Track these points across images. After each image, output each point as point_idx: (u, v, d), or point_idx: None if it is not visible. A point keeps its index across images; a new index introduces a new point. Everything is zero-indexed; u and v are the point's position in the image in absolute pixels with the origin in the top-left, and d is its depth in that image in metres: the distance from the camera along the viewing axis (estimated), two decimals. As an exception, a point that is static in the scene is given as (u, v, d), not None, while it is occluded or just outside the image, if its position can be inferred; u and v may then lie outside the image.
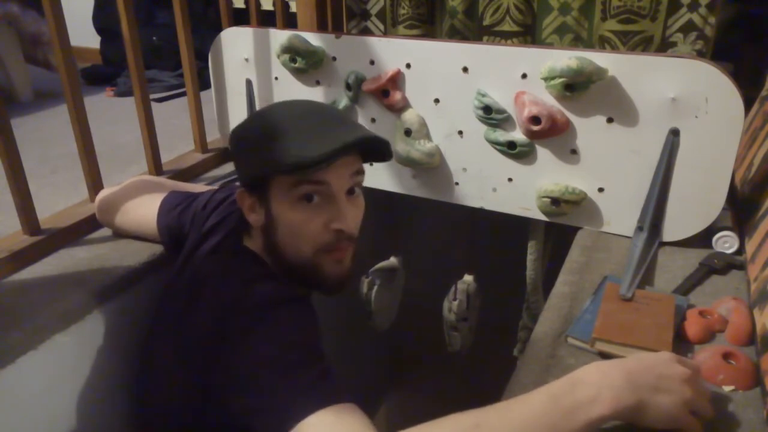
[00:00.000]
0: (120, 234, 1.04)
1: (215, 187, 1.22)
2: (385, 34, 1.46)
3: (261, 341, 0.66)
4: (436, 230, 1.88)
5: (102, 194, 1.04)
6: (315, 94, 1.24)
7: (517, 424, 0.54)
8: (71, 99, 0.99)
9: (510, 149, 1.06)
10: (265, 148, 0.74)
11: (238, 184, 0.82)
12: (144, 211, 0.98)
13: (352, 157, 0.77)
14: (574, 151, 1.02)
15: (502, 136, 1.06)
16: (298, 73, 1.23)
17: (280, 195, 0.75)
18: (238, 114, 1.35)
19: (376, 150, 0.80)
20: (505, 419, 0.54)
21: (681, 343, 0.76)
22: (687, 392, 0.57)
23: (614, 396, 0.54)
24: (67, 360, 0.88)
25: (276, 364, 0.63)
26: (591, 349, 0.76)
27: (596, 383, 0.55)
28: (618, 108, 0.95)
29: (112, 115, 1.83)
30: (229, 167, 1.37)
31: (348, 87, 1.18)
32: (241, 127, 0.80)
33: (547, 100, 1.00)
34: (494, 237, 1.59)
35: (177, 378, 0.77)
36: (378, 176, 1.23)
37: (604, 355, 0.74)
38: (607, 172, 1.01)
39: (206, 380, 0.70)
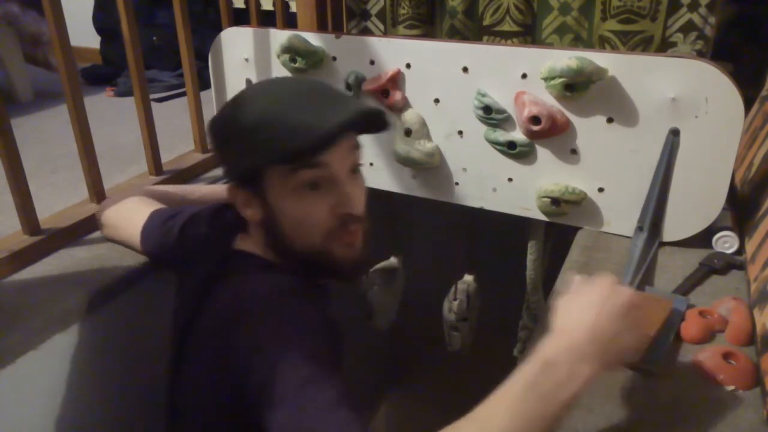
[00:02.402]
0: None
1: (215, 186, 1.22)
2: (385, 34, 1.46)
3: (271, 351, 0.60)
4: (436, 230, 1.88)
5: (100, 205, 1.04)
6: (315, 94, 1.24)
7: (506, 422, 0.52)
8: (71, 99, 0.99)
9: (510, 149, 1.06)
10: (255, 137, 0.68)
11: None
12: (131, 231, 0.95)
13: (348, 132, 0.71)
14: (574, 151, 1.02)
15: (502, 136, 1.06)
16: (298, 73, 1.23)
17: (277, 185, 0.70)
18: (238, 114, 1.35)
19: (372, 121, 0.75)
20: (493, 422, 0.52)
21: (681, 344, 0.77)
22: (633, 317, 0.59)
23: (588, 365, 0.55)
24: (67, 360, 0.88)
25: (290, 379, 0.58)
26: None
27: (567, 363, 0.54)
28: (618, 108, 0.95)
29: (112, 115, 1.83)
30: (229, 167, 1.37)
31: (348, 87, 1.18)
32: (222, 117, 0.73)
33: (547, 100, 1.00)
34: (494, 237, 1.59)
35: (192, 400, 0.73)
36: (378, 176, 1.23)
37: None
38: (607, 172, 1.01)
39: (229, 392, 0.65)
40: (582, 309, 0.59)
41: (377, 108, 0.73)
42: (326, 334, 0.66)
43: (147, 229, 0.92)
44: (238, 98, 0.74)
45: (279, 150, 0.67)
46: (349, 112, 0.68)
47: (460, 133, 1.11)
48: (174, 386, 0.78)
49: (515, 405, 0.53)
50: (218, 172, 1.35)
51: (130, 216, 0.97)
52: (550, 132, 1.00)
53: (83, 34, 2.21)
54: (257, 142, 0.68)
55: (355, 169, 0.74)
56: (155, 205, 0.96)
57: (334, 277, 0.77)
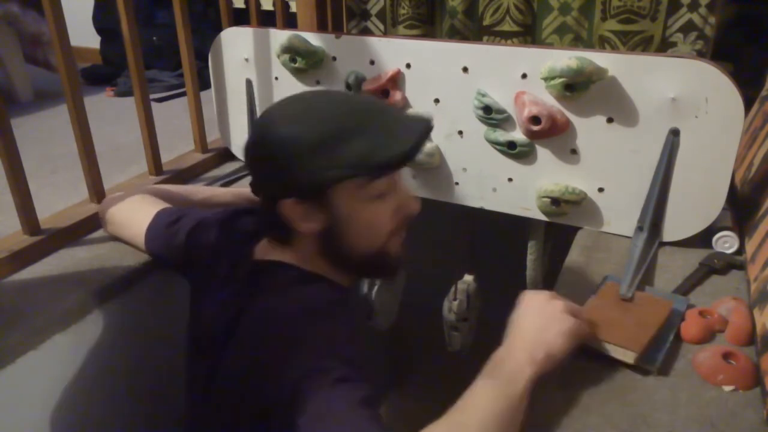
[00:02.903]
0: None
1: (216, 186, 1.22)
2: (385, 34, 1.46)
3: (303, 356, 0.65)
4: (436, 230, 1.88)
5: (103, 202, 1.04)
6: (315, 94, 1.24)
7: (485, 410, 0.60)
8: (71, 99, 0.99)
9: (510, 149, 1.06)
10: (337, 152, 0.69)
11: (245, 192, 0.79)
12: (135, 230, 0.95)
13: None
14: (574, 151, 1.02)
15: (502, 136, 1.06)
16: (298, 73, 1.23)
17: (351, 196, 0.72)
18: (238, 114, 1.35)
19: None
20: (476, 411, 0.60)
21: (680, 344, 0.77)
22: (558, 306, 0.71)
23: (529, 356, 0.65)
24: (67, 360, 0.88)
25: (320, 380, 0.62)
26: None
27: (511, 358, 0.66)
28: (618, 108, 0.95)
29: (112, 115, 1.83)
30: (229, 167, 1.37)
31: (348, 87, 1.18)
32: (283, 134, 0.71)
33: (547, 100, 1.00)
34: (494, 237, 1.59)
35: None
36: (378, 176, 1.23)
37: (583, 349, 0.74)
38: (607, 172, 1.01)
39: (258, 408, 0.66)
40: (522, 318, 0.71)
41: (431, 119, 0.77)
42: (355, 345, 0.70)
43: (152, 230, 0.92)
44: (295, 115, 0.73)
45: (365, 165, 0.70)
46: (419, 126, 0.74)
47: (460, 133, 1.11)
48: (205, 398, 0.78)
49: (486, 396, 0.62)
50: (218, 172, 1.35)
51: (134, 214, 0.97)
52: (550, 132, 1.00)
53: (83, 34, 2.21)
54: (341, 157, 0.69)
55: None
56: (160, 204, 0.97)
57: (382, 275, 0.85)
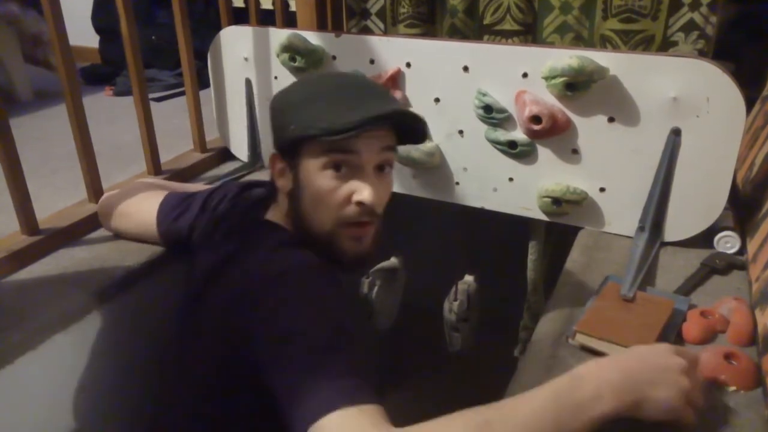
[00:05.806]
0: (122, 238, 1.03)
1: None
2: (385, 33, 1.46)
3: (291, 314, 0.64)
4: (436, 230, 1.88)
5: (103, 198, 1.04)
6: (315, 93, 1.23)
7: (524, 421, 0.54)
8: (70, 99, 0.99)
9: (511, 149, 1.06)
10: (301, 113, 0.75)
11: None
12: (144, 215, 0.96)
13: (385, 132, 0.76)
14: (575, 151, 1.01)
15: (502, 135, 1.06)
16: (297, 72, 1.23)
17: (311, 160, 0.75)
18: (237, 113, 1.35)
19: (412, 129, 0.79)
20: (513, 417, 0.54)
21: (682, 344, 0.76)
22: (684, 383, 0.58)
23: (614, 393, 0.55)
24: (67, 360, 0.88)
25: (306, 342, 0.61)
26: (572, 342, 0.76)
27: (595, 381, 0.56)
28: (619, 107, 0.95)
29: (111, 114, 1.83)
30: (228, 167, 1.37)
31: (348, 86, 1.17)
32: (284, 91, 0.81)
33: (548, 100, 1.00)
34: (495, 237, 1.59)
35: (202, 369, 0.75)
36: (378, 176, 1.23)
37: (585, 349, 0.75)
38: (608, 171, 1.00)
39: (233, 360, 0.69)
40: (629, 355, 0.61)
41: (415, 113, 0.77)
42: (347, 307, 0.69)
43: (164, 208, 0.94)
44: (304, 78, 0.86)
45: (315, 126, 0.73)
46: (385, 109, 0.73)
47: (461, 132, 1.11)
48: (182, 353, 0.80)
49: (538, 408, 0.55)
50: (217, 171, 1.34)
51: (141, 201, 0.98)
52: (551, 131, 1.00)
53: (82, 34, 2.21)
54: (302, 117, 0.75)
55: (383, 168, 0.78)
56: (165, 191, 0.99)
57: (336, 263, 0.80)
